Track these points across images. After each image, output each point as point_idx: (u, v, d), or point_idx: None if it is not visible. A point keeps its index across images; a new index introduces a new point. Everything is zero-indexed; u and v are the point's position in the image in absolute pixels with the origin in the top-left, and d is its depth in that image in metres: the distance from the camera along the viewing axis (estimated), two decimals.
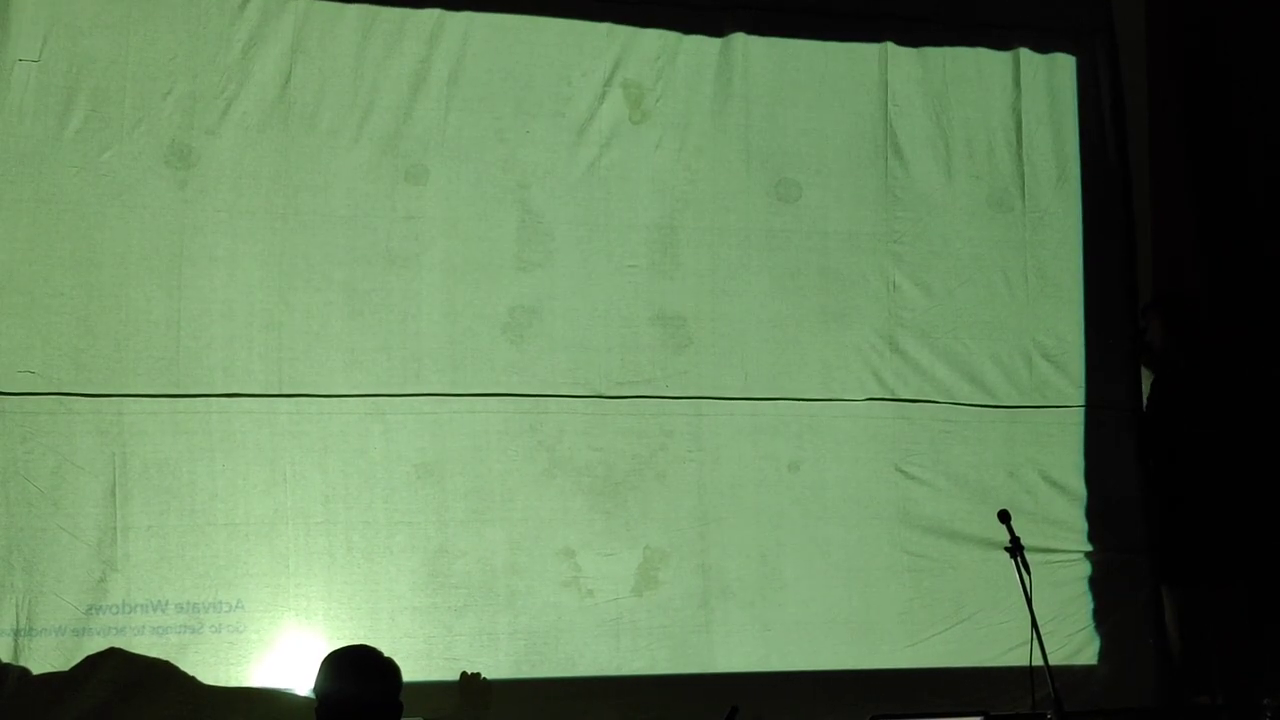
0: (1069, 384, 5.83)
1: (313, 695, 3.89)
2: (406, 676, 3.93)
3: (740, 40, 5.64)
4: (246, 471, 5.03)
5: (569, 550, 5.26)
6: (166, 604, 4.92)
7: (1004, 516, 4.85)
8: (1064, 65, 6.01)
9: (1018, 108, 5.92)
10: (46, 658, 4.80)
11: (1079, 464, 5.78)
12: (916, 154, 5.79)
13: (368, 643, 4.08)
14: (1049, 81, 5.97)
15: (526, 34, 5.47)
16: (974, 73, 5.90)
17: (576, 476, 5.30)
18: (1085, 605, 5.71)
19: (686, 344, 5.47)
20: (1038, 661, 4.63)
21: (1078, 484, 5.77)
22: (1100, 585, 5.73)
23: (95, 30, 5.05)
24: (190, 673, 4.89)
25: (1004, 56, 5.94)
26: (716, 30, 5.62)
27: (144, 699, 4.81)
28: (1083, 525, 5.75)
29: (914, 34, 5.81)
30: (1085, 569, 5.73)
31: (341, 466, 5.11)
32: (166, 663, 4.87)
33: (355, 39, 5.29)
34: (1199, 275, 6.10)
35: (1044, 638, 4.68)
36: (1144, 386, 5.92)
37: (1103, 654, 5.72)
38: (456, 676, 5.06)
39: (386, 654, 3.93)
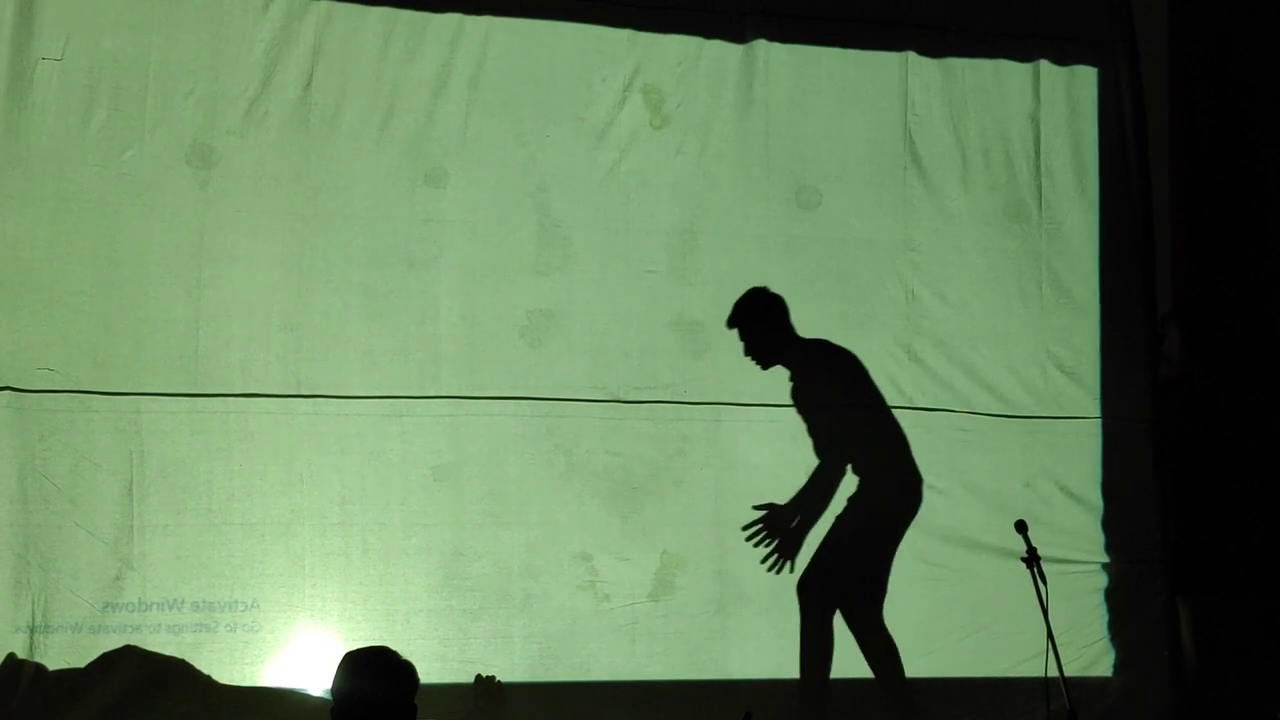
0: (1085, 395, 5.83)
1: (328, 695, 3.89)
2: (420, 679, 3.91)
3: (762, 47, 5.64)
4: (263, 471, 5.04)
5: (585, 554, 5.26)
6: (182, 602, 4.93)
7: (1020, 526, 4.83)
8: (1084, 76, 6.01)
9: (1036, 118, 5.92)
10: (62, 655, 4.81)
11: (1096, 475, 5.78)
12: (935, 163, 5.79)
13: (383, 644, 4.07)
14: (1068, 93, 5.96)
15: (547, 38, 5.47)
16: (993, 83, 5.90)
17: (593, 481, 5.31)
18: (1101, 616, 5.71)
19: (705, 349, 5.47)
20: (1053, 672, 4.62)
21: (1094, 495, 5.77)
22: (1116, 596, 5.72)
23: (118, 30, 5.06)
24: (205, 671, 4.90)
25: (1024, 67, 5.94)
26: (738, 36, 5.62)
27: (159, 698, 4.81)
28: (1099, 536, 5.74)
29: (935, 44, 5.81)
30: (1101, 580, 5.72)
31: (358, 468, 5.12)
32: (182, 661, 4.87)
33: (377, 42, 5.29)
34: (1220, 285, 6.08)
35: (1059, 649, 4.66)
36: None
37: (1118, 666, 5.72)
38: (471, 679, 5.05)
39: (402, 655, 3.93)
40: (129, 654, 4.83)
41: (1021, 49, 5.94)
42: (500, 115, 5.38)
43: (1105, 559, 5.73)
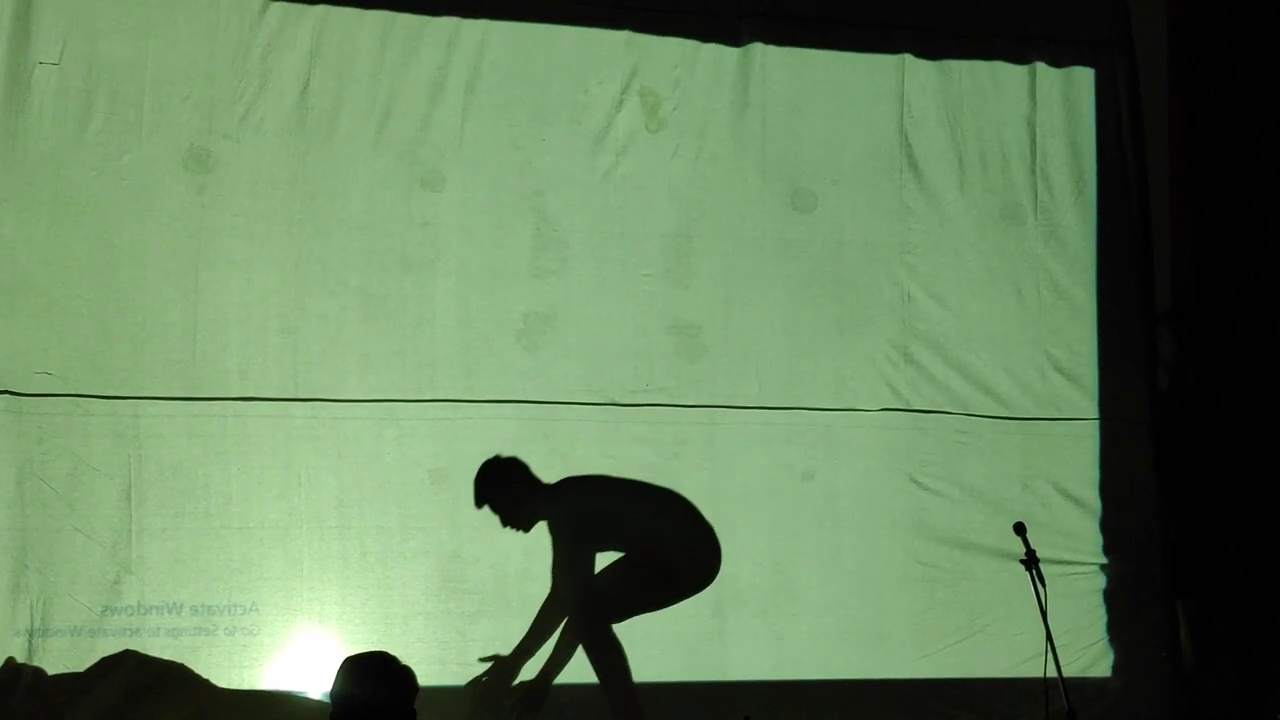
0: (1083, 396, 5.82)
1: (326, 699, 3.90)
2: (419, 682, 3.92)
3: (758, 50, 5.64)
4: (261, 475, 5.05)
5: None
6: (181, 606, 4.93)
7: (1020, 529, 4.83)
8: (1081, 78, 6.00)
9: (1033, 121, 5.92)
10: (61, 658, 4.82)
11: (1093, 476, 5.78)
12: (931, 166, 5.78)
13: (381, 648, 4.07)
14: (1065, 94, 5.96)
15: (544, 41, 5.48)
16: (990, 86, 5.90)
17: None
18: (1099, 618, 5.70)
19: (701, 352, 5.47)
20: (1052, 673, 4.61)
21: (1091, 496, 5.76)
22: (1114, 598, 5.72)
23: (115, 34, 5.07)
24: (204, 675, 4.90)
25: (1020, 69, 5.93)
26: (734, 40, 5.62)
27: (157, 701, 4.82)
28: (1096, 537, 5.74)
29: (931, 46, 5.81)
30: (1099, 581, 5.72)
31: (355, 471, 5.13)
32: (181, 665, 4.88)
33: (374, 45, 5.30)
34: (1220, 285, 6.08)
35: (1058, 650, 4.66)
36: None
37: (1116, 667, 5.71)
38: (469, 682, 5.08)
39: (401, 659, 3.94)
40: (127, 658, 4.84)
41: (1018, 51, 5.93)
42: (497, 119, 5.39)
43: (1103, 560, 5.73)
